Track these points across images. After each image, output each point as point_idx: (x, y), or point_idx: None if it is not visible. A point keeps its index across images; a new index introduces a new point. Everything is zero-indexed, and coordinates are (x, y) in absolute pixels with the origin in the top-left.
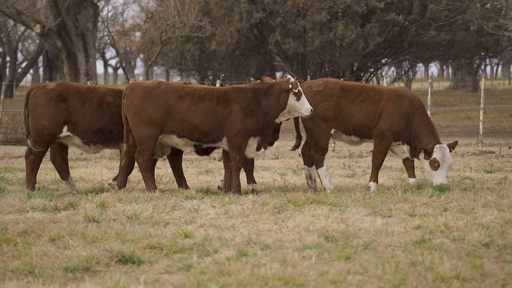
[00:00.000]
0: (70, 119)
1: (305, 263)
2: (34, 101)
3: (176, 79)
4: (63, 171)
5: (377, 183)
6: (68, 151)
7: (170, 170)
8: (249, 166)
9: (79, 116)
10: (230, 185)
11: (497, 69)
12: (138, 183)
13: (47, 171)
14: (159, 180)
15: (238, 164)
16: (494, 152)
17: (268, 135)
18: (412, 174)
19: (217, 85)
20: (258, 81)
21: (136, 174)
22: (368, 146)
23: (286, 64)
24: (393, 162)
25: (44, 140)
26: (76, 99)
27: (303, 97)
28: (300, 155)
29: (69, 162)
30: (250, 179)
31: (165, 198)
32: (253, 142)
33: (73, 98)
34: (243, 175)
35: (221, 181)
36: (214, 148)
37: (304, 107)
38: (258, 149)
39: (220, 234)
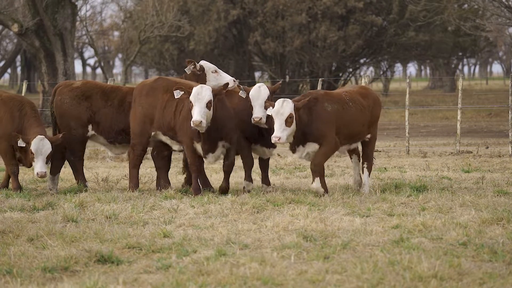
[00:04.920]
0: (93, 118)
1: (284, 262)
2: (59, 98)
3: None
4: (56, 166)
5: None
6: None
7: (149, 170)
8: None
9: (102, 115)
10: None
11: (474, 69)
12: (116, 183)
13: (24, 170)
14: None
15: (193, 166)
16: (471, 152)
17: (212, 140)
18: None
19: None
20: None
21: (115, 174)
22: None
23: (265, 64)
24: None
25: (77, 142)
26: (99, 98)
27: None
28: (279, 155)
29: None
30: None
31: (144, 197)
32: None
33: (97, 97)
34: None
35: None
36: None
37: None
38: (203, 154)
39: (199, 234)
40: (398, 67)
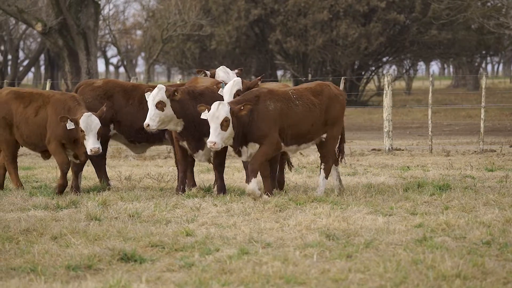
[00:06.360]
0: (115, 117)
1: (307, 261)
2: (81, 97)
3: (177, 77)
4: (79, 165)
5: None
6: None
7: (171, 168)
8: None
9: (123, 114)
10: None
11: (498, 68)
12: (139, 181)
13: (48, 169)
14: (160, 178)
15: (180, 161)
16: (495, 151)
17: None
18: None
19: None
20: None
21: (138, 172)
22: (369, 145)
23: (287, 62)
24: (394, 160)
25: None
26: (121, 97)
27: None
28: (301, 154)
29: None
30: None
31: (167, 196)
32: None
33: (118, 96)
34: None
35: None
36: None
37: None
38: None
39: (222, 232)
40: (421, 65)
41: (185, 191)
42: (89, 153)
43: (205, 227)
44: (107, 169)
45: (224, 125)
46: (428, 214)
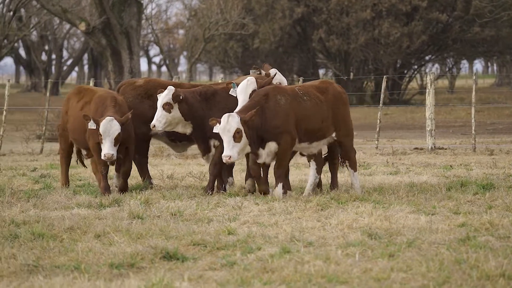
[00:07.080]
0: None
1: (349, 260)
2: (122, 96)
3: (219, 76)
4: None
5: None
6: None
7: None
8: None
9: None
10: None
11: None
12: (181, 180)
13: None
14: (202, 177)
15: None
16: None
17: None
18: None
19: None
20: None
21: (180, 171)
22: (412, 144)
23: (329, 61)
24: (437, 159)
25: (140, 141)
26: None
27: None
28: None
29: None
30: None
31: (208, 195)
32: None
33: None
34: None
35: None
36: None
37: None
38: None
39: (263, 231)
40: (464, 63)
41: (226, 189)
42: (102, 158)
43: (247, 225)
44: (150, 167)
45: (236, 137)
46: (472, 213)
